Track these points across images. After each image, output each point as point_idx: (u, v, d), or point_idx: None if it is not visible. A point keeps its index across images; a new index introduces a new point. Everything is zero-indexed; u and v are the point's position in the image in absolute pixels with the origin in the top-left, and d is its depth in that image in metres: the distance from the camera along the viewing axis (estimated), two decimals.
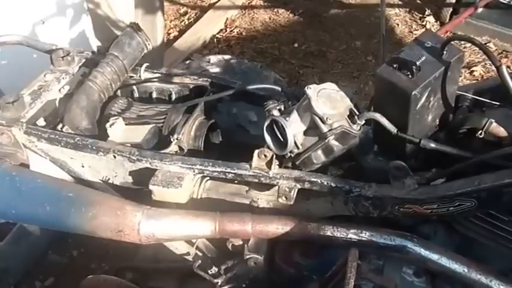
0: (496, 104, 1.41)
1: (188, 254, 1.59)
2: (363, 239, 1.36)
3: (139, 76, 1.77)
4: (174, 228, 1.40)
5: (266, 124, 1.39)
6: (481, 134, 1.31)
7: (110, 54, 1.68)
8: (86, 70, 1.75)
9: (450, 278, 1.37)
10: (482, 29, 3.95)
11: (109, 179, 1.58)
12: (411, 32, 4.15)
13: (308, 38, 4.17)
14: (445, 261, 1.32)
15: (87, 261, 2.68)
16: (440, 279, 1.41)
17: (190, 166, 1.44)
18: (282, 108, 1.42)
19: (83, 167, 1.57)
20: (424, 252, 1.32)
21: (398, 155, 1.37)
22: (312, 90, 1.36)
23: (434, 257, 1.32)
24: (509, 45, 3.94)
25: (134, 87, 1.79)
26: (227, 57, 2.43)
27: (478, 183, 1.21)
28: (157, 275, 1.97)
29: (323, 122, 1.33)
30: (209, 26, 4.19)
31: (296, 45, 4.11)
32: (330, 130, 1.33)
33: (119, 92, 1.79)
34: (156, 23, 2.96)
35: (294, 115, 1.38)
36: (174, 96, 1.77)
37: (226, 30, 4.26)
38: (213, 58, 2.38)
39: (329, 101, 1.35)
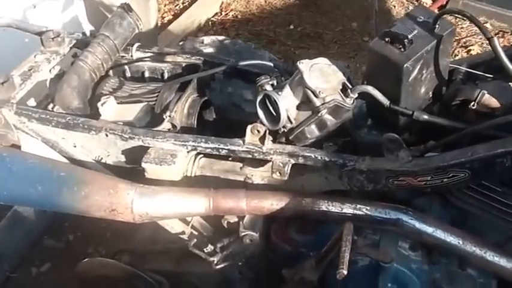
0: (489, 77, 1.40)
1: (183, 233, 1.59)
2: (358, 212, 1.35)
3: (131, 55, 1.76)
4: (168, 206, 1.39)
5: (259, 99, 1.38)
6: (473, 105, 1.30)
7: (100, 34, 1.67)
8: (76, 51, 1.74)
9: (446, 252, 1.37)
10: (480, 9, 3.95)
11: (102, 158, 1.57)
12: None
13: (304, 20, 4.14)
14: (439, 234, 1.32)
15: (83, 246, 2.66)
16: (436, 253, 1.41)
17: (183, 143, 1.44)
18: (275, 83, 1.41)
19: (75, 147, 1.56)
20: (418, 224, 1.32)
21: (392, 127, 1.36)
22: (304, 64, 1.35)
23: (429, 229, 1.32)
24: (507, 26, 3.93)
25: (126, 66, 1.78)
26: (221, 38, 2.40)
27: (471, 154, 1.21)
28: (153, 256, 1.97)
29: (316, 96, 1.32)
30: (204, 10, 4.16)
31: (292, 27, 4.08)
32: (322, 104, 1.32)
33: (110, 72, 1.77)
34: (149, 6, 2.94)
35: (287, 90, 1.37)
36: (166, 75, 1.76)
37: (221, 14, 4.23)
38: (207, 39, 2.35)
39: (321, 75, 1.35)
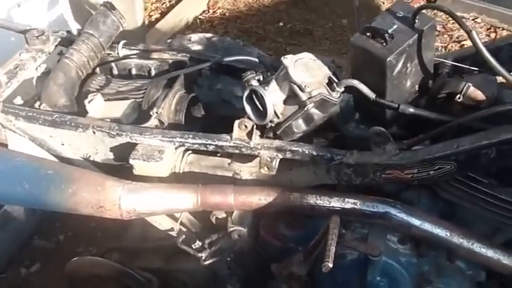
0: (475, 70, 1.41)
1: (172, 229, 1.59)
2: (346, 206, 1.35)
3: (117, 53, 1.75)
4: (156, 202, 1.38)
5: (245, 94, 1.38)
6: (459, 98, 1.31)
7: (85, 32, 1.67)
8: (62, 49, 1.73)
9: (434, 244, 1.38)
10: (470, 5, 3.97)
11: (90, 156, 1.57)
12: None
13: (293, 17, 4.14)
14: (427, 226, 1.33)
15: (74, 246, 2.64)
16: (425, 246, 1.42)
17: (170, 139, 1.44)
18: (261, 79, 1.41)
19: (62, 144, 1.56)
20: (406, 217, 1.33)
21: (379, 121, 1.36)
22: (288, 59, 1.35)
23: (417, 222, 1.33)
24: (497, 21, 3.95)
25: (113, 64, 1.77)
26: (208, 35, 2.40)
27: (457, 146, 1.21)
28: (143, 254, 1.96)
29: (301, 90, 1.32)
30: (191, 8, 4.14)
31: (281, 24, 4.07)
32: (309, 98, 1.33)
33: (97, 70, 1.77)
34: (135, 4, 2.92)
35: (273, 84, 1.37)
36: (153, 72, 1.76)
37: (209, 12, 4.22)
38: (194, 36, 2.35)
39: (306, 69, 1.35)
